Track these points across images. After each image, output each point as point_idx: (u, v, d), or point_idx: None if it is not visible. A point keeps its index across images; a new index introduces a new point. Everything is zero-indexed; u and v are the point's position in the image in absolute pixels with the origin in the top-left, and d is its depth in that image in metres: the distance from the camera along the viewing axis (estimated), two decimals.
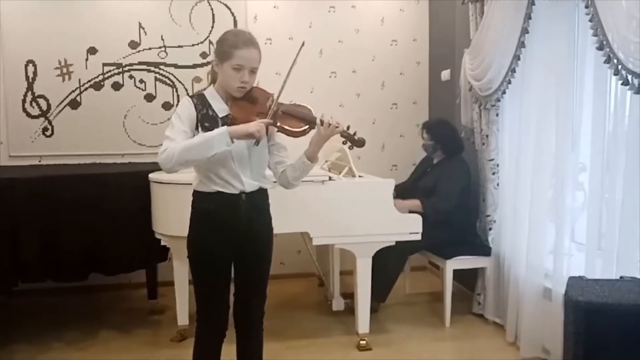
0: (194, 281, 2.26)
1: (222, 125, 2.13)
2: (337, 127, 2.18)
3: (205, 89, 2.27)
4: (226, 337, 2.29)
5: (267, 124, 2.08)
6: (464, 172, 3.81)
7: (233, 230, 2.19)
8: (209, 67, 2.30)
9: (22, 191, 3.26)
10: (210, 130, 2.10)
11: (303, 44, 2.19)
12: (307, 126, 2.21)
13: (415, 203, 3.65)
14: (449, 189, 3.69)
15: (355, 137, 2.28)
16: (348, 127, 2.28)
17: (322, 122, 2.18)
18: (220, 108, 2.18)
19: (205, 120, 2.14)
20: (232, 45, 2.10)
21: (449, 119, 4.05)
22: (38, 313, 4.00)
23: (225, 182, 2.15)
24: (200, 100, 2.18)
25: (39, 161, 4.37)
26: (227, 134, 2.01)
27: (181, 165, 2.05)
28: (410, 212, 3.42)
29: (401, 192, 3.78)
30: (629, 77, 2.31)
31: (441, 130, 3.91)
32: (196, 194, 2.22)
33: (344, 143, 2.31)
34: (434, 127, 3.95)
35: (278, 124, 2.18)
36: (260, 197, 2.26)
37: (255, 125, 2.03)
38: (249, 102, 2.18)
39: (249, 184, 2.18)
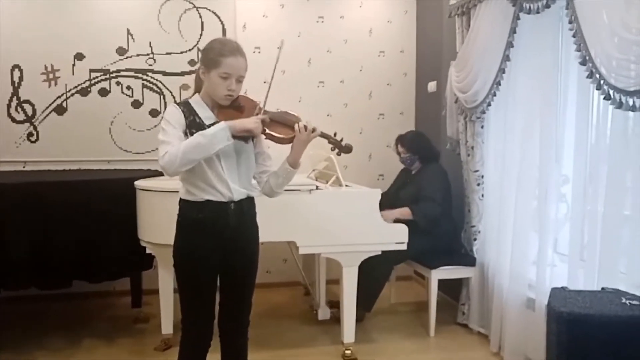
0: (179, 290, 2.24)
1: None
2: (313, 131, 2.20)
3: (189, 97, 2.27)
4: (211, 346, 2.28)
5: (263, 119, 2.11)
6: (442, 175, 3.88)
7: (220, 238, 2.18)
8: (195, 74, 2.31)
9: (6, 197, 3.22)
10: None
11: (282, 44, 2.22)
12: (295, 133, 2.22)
13: (404, 211, 3.68)
14: (432, 192, 3.76)
15: (343, 144, 2.33)
16: (335, 134, 2.31)
17: (299, 127, 2.19)
18: (207, 116, 2.18)
19: (193, 127, 2.14)
20: (220, 54, 2.11)
21: (434, 131, 4.10)
22: (21, 320, 3.94)
23: (213, 189, 2.14)
24: (186, 108, 2.18)
25: (23, 167, 4.33)
26: (228, 128, 2.04)
27: (185, 165, 2.04)
28: (398, 220, 3.45)
29: (382, 202, 3.80)
30: (611, 92, 2.36)
31: (416, 140, 4.02)
32: (184, 203, 2.21)
33: (332, 149, 2.35)
34: (408, 139, 4.03)
35: (266, 131, 2.19)
36: (248, 206, 2.26)
37: (254, 122, 2.08)
38: (235, 110, 2.19)
39: (237, 192, 2.18)
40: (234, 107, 2.19)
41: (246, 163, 2.22)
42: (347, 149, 2.34)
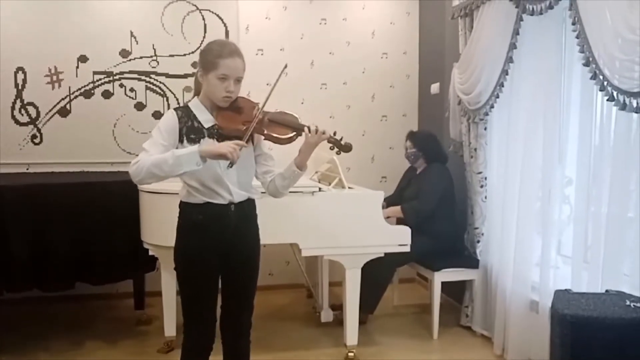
0: (181, 293, 2.24)
1: (208, 136, 2.15)
2: (324, 133, 2.20)
3: (189, 100, 2.27)
4: (213, 349, 2.28)
5: (242, 145, 2.03)
6: (444, 176, 3.85)
7: (221, 241, 2.18)
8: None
9: (9, 199, 3.23)
10: (197, 142, 2.12)
11: (286, 66, 2.23)
12: (294, 133, 2.22)
13: (395, 209, 3.73)
14: (428, 192, 3.76)
15: (342, 142, 2.29)
16: (334, 133, 2.29)
17: (309, 130, 2.19)
18: (206, 119, 2.18)
19: (191, 132, 2.13)
20: (218, 55, 2.11)
21: (435, 133, 4.10)
22: (24, 322, 3.95)
23: (213, 192, 2.14)
24: (185, 113, 2.18)
25: (27, 169, 4.33)
26: (198, 154, 1.98)
27: (150, 179, 2.03)
28: (388, 218, 3.50)
29: (389, 204, 3.84)
30: (615, 93, 2.35)
31: (425, 139, 4.00)
32: (184, 205, 2.21)
33: (331, 149, 2.32)
34: (418, 136, 4.03)
35: (265, 131, 2.19)
36: (248, 208, 2.26)
37: (228, 147, 1.98)
38: (234, 111, 2.19)
39: (237, 194, 2.18)
40: (232, 108, 2.19)
41: (245, 165, 2.21)
42: (347, 148, 2.29)
